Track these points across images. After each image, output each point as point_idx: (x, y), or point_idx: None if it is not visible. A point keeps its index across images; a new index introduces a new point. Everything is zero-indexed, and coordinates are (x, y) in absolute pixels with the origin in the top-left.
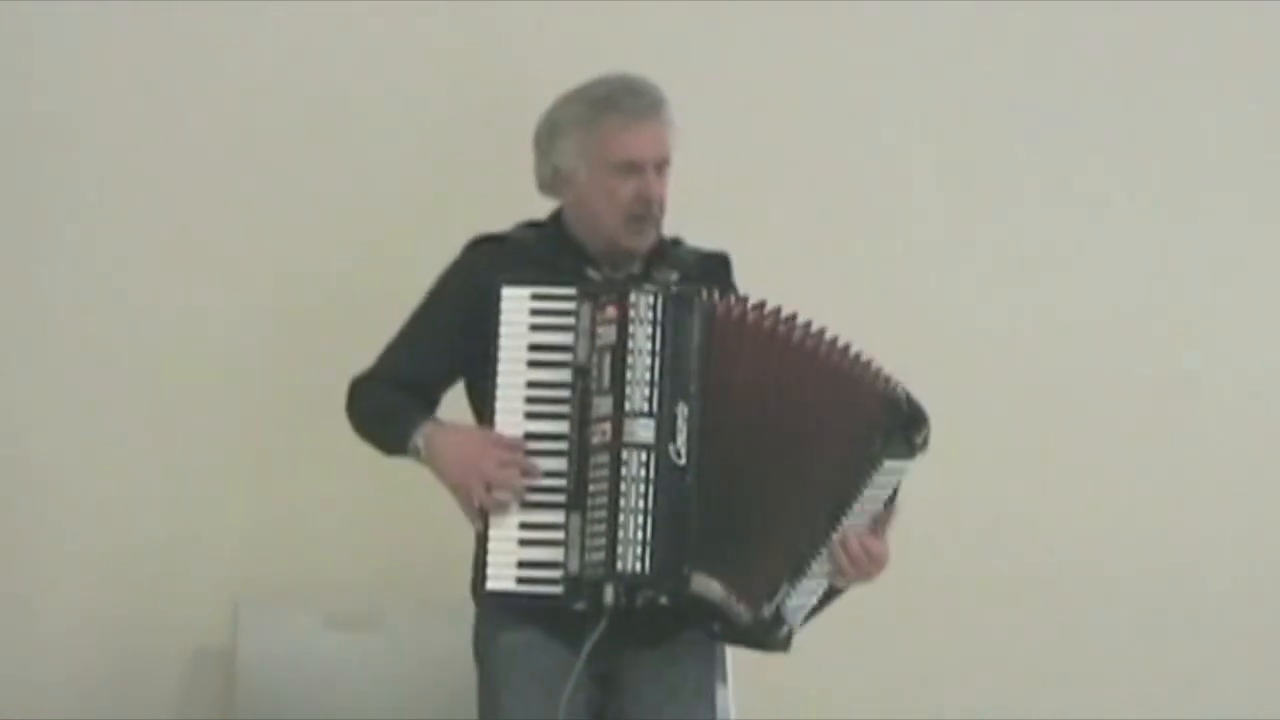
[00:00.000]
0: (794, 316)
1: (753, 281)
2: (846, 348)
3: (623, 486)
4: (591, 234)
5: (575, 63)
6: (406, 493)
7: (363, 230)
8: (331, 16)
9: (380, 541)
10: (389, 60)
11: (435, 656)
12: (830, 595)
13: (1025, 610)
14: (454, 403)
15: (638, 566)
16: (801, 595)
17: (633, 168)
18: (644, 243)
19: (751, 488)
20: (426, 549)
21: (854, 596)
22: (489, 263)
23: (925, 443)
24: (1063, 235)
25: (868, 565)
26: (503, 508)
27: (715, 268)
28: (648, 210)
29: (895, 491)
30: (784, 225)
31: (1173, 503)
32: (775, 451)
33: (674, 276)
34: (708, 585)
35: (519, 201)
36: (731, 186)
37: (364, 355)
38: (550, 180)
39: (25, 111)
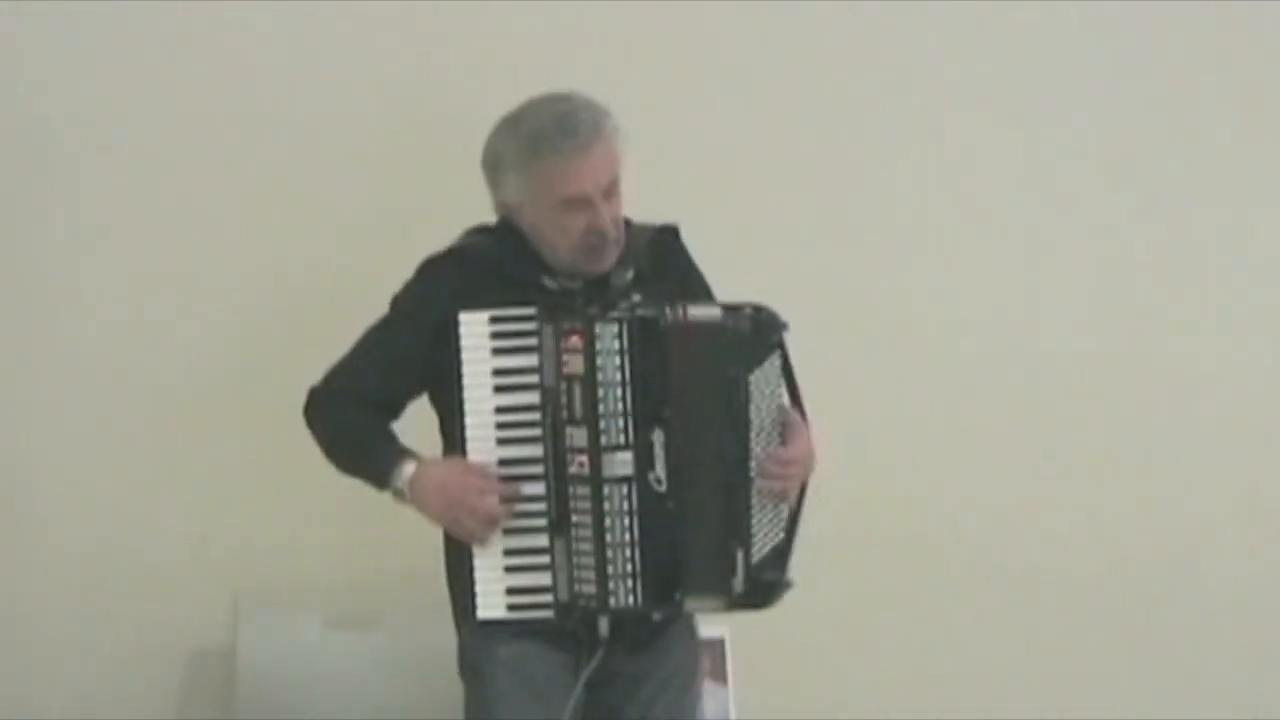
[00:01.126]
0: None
1: (748, 281)
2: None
3: (607, 521)
4: (550, 254)
5: (565, 62)
6: None
7: (362, 232)
8: (325, 16)
9: (380, 541)
10: (381, 61)
11: (435, 656)
12: (798, 499)
13: (1025, 611)
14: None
15: (630, 600)
16: (763, 540)
17: (580, 202)
18: (605, 265)
19: (707, 491)
20: (426, 549)
21: (854, 597)
22: (445, 277)
23: (770, 328)
24: (1062, 236)
25: (791, 473)
26: (489, 536)
27: (667, 243)
28: (602, 240)
29: (790, 380)
30: (781, 225)
31: (1173, 503)
32: (713, 443)
33: (628, 276)
34: (702, 604)
35: None
36: (725, 186)
37: None
38: (502, 210)
39: (18, 112)
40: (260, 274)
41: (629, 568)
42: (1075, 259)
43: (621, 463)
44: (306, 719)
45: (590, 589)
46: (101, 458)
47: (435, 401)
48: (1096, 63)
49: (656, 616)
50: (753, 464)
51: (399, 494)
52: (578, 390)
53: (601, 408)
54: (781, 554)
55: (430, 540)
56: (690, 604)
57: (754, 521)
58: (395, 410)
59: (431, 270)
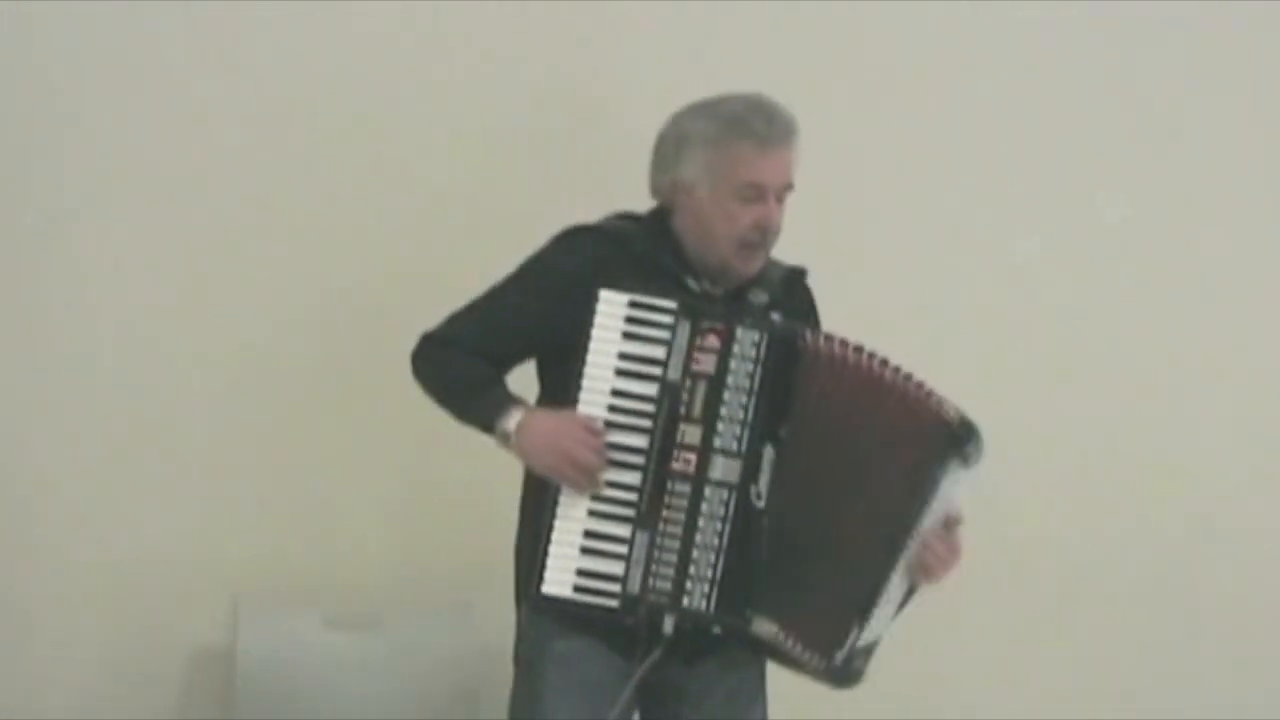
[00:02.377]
0: (874, 353)
1: None
2: (909, 375)
3: (700, 522)
4: (701, 249)
5: (590, 71)
6: (407, 493)
7: (367, 233)
8: (352, 16)
9: (380, 542)
10: (413, 64)
11: (435, 656)
12: (905, 602)
13: (1028, 612)
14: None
15: (703, 604)
16: (873, 630)
17: (757, 193)
18: (754, 268)
19: (823, 528)
20: (427, 549)
21: None
22: (587, 251)
23: (977, 455)
24: (1062, 235)
25: (944, 566)
26: (587, 488)
27: (797, 283)
28: (763, 238)
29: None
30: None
31: (1173, 503)
32: (848, 490)
33: (764, 299)
34: (766, 629)
35: (545, 208)
36: None
37: (365, 360)
38: (668, 190)
39: (24, 112)
40: (260, 275)
41: (710, 572)
42: (1077, 258)
43: (729, 468)
44: (306, 719)
45: (666, 585)
46: (101, 458)
47: (543, 371)
48: (1117, 66)
49: (717, 629)
50: (904, 554)
51: (505, 437)
52: (702, 389)
53: (723, 410)
54: (875, 647)
55: (430, 541)
56: (758, 625)
57: (879, 606)
58: (504, 368)
59: (574, 240)
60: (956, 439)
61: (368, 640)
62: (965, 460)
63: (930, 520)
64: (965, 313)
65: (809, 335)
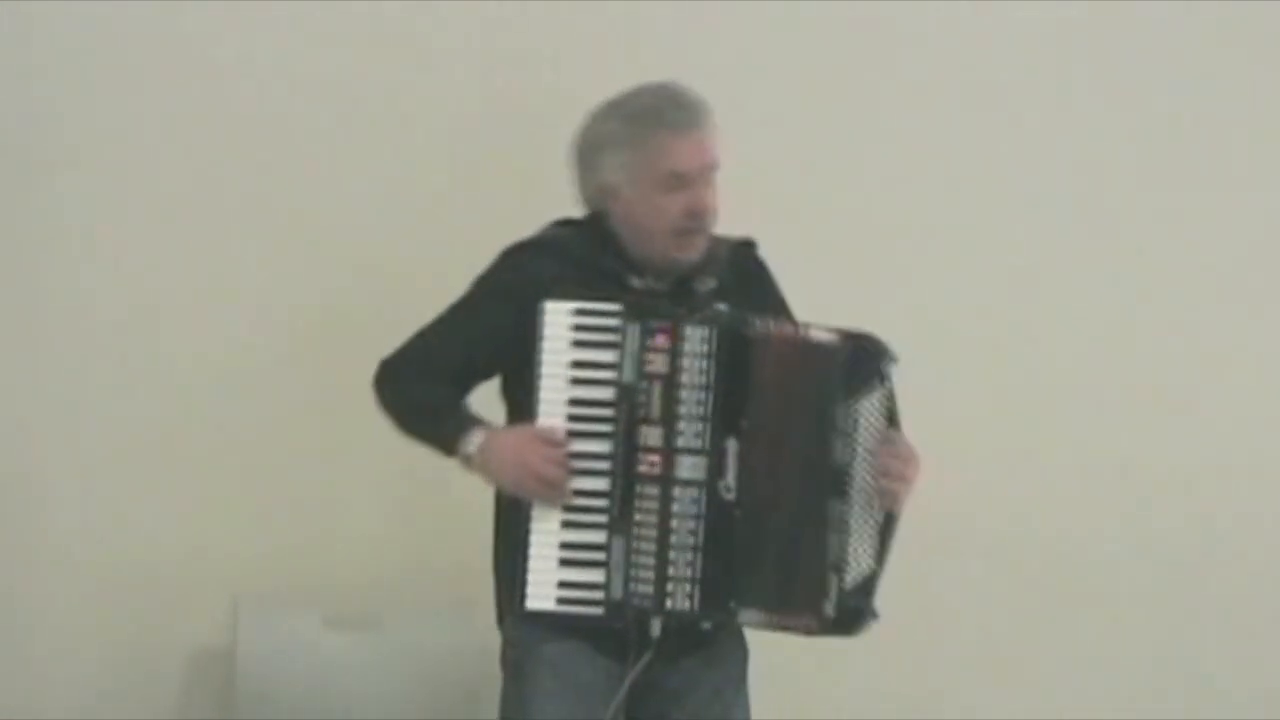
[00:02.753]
0: (814, 326)
1: None
2: (812, 325)
3: (673, 523)
4: (640, 246)
5: (591, 70)
6: (407, 494)
7: (366, 233)
8: (349, 17)
9: (380, 542)
10: (412, 64)
11: (435, 656)
12: (888, 528)
13: (1029, 612)
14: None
15: (686, 604)
16: (856, 570)
17: (681, 181)
18: (694, 255)
19: (788, 505)
20: (426, 550)
21: None
22: (530, 265)
23: (881, 358)
24: (1063, 236)
25: (904, 475)
26: (556, 501)
27: (746, 257)
28: (698, 224)
29: (890, 410)
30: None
31: (1176, 504)
32: (804, 461)
33: (712, 285)
34: (753, 617)
35: (534, 209)
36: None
37: (364, 359)
38: (595, 196)
39: (36, 112)
40: (260, 275)
41: (689, 572)
42: (1078, 258)
43: (694, 466)
44: (306, 719)
45: (647, 589)
46: (102, 458)
47: (505, 388)
48: (1118, 64)
49: (706, 625)
50: (852, 490)
51: (467, 460)
52: (658, 390)
53: (681, 409)
54: (870, 582)
55: (430, 541)
56: (744, 615)
57: (849, 547)
58: (463, 390)
59: (516, 257)
60: (851, 362)
61: (368, 640)
62: (874, 376)
63: (864, 448)
64: (966, 313)
65: (756, 323)
